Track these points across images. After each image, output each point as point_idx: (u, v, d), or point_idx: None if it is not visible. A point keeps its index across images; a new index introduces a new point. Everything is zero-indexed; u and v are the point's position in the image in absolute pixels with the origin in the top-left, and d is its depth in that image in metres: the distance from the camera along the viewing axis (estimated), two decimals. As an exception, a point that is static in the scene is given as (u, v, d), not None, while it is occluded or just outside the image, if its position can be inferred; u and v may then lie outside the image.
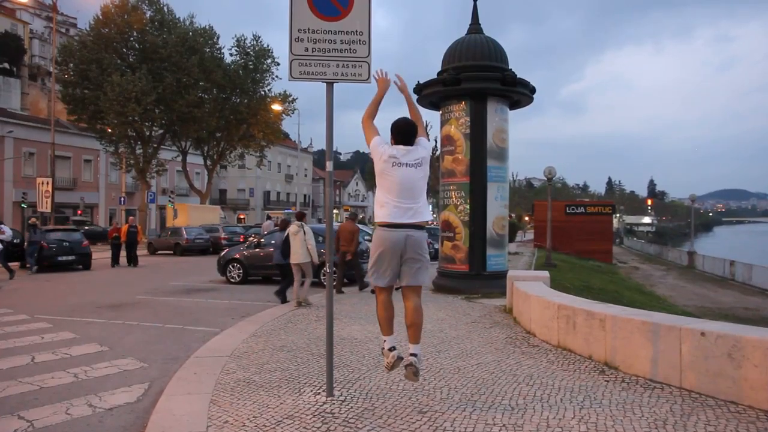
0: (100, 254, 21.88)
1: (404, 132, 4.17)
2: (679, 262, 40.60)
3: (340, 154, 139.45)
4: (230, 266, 14.10)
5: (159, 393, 4.87)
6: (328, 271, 4.78)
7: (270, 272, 13.80)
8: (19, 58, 50.45)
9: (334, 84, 4.77)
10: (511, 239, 28.66)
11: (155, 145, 35.93)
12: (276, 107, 37.38)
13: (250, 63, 36.40)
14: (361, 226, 12.43)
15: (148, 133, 35.20)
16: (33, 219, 19.14)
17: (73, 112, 33.32)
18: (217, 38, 36.02)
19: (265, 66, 36.68)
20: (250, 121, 36.30)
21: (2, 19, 50.73)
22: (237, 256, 14.21)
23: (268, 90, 37.88)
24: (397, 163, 4.02)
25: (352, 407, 4.30)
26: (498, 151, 11.12)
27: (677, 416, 3.98)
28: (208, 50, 34.87)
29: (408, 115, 4.37)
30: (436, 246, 12.62)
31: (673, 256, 44.90)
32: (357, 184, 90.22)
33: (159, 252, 27.00)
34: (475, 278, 10.82)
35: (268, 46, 36.82)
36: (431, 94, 11.52)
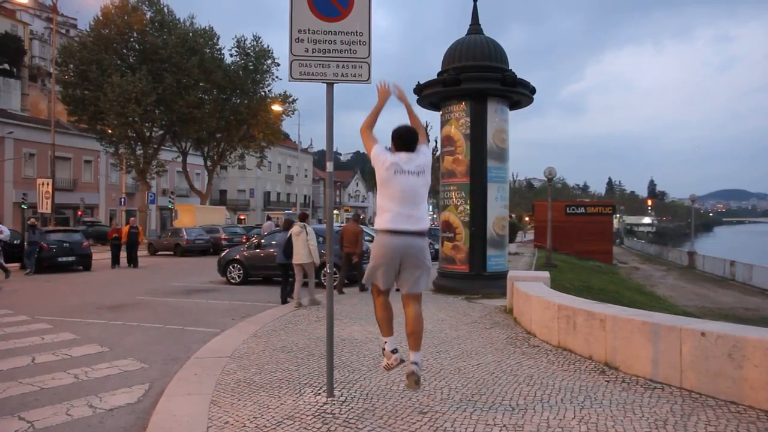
0: (101, 255, 21.87)
1: (405, 139, 4.17)
2: (680, 262, 40.60)
3: (341, 154, 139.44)
4: (230, 267, 14.11)
5: (159, 394, 4.87)
6: (328, 271, 4.78)
7: (270, 273, 13.81)
8: (20, 59, 50.47)
9: (335, 84, 4.77)
10: (512, 240, 28.66)
11: (155, 146, 35.93)
12: (276, 108, 37.39)
13: (251, 64, 36.41)
14: (361, 227, 12.45)
15: (148, 134, 35.20)
16: (32, 220, 19.13)
17: (73, 113, 33.33)
18: (218, 39, 36.03)
19: (265, 66, 36.69)
20: (250, 122, 36.31)
21: (2, 20, 50.73)
22: (237, 256, 14.22)
23: (269, 90, 37.92)
24: (399, 171, 4.02)
25: (352, 408, 4.30)
26: (498, 152, 11.13)
27: (677, 416, 3.98)
28: (208, 51, 34.87)
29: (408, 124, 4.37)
30: (437, 246, 12.63)
31: (674, 256, 44.91)
32: (357, 184, 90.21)
33: (159, 253, 26.99)
34: (476, 279, 10.82)
35: (268, 46, 36.86)
36: (431, 94, 11.52)
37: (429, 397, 4.50)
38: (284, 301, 10.13)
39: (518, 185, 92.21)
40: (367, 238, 12.60)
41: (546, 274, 8.79)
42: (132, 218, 22.01)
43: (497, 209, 11.12)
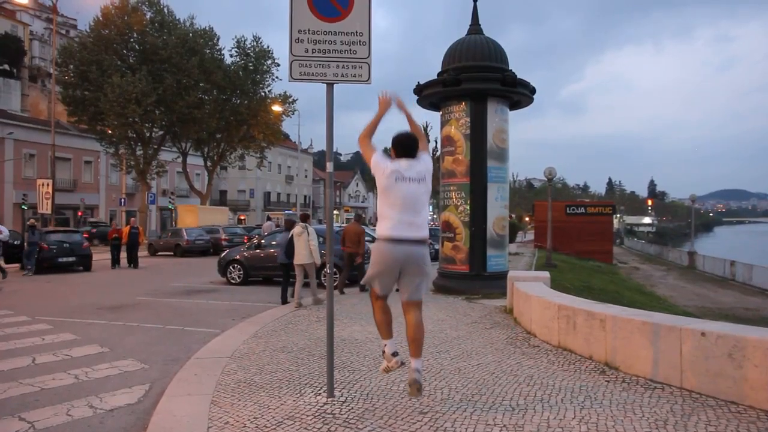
0: (102, 255, 21.87)
1: (405, 145, 4.17)
2: (680, 262, 40.60)
3: (341, 155, 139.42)
4: (231, 267, 14.11)
5: (160, 394, 4.88)
6: (328, 271, 4.79)
7: (271, 273, 13.81)
8: (20, 60, 50.48)
9: (335, 85, 4.77)
10: (512, 240, 28.66)
11: (155, 147, 35.93)
12: (276, 108, 37.38)
13: (251, 64, 36.40)
14: (362, 227, 12.47)
15: (148, 135, 35.20)
16: (32, 220, 19.13)
17: (73, 114, 33.33)
18: (217, 39, 36.02)
19: (265, 67, 36.68)
20: (250, 122, 36.31)
21: (2, 20, 50.75)
22: (237, 257, 14.22)
23: (269, 91, 37.92)
24: (400, 178, 4.01)
25: (352, 408, 4.30)
26: (498, 152, 11.13)
27: (678, 416, 3.98)
28: (208, 51, 34.86)
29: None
30: (437, 246, 12.63)
31: (674, 256, 44.90)
32: (357, 184, 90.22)
33: (159, 253, 26.99)
34: (476, 279, 10.82)
35: (268, 47, 36.85)
36: (431, 94, 11.52)
37: (429, 397, 4.50)
38: (284, 302, 10.14)
39: (518, 185, 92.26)
40: (368, 238, 12.60)
41: (546, 274, 8.79)
42: (132, 218, 22.00)
43: (497, 209, 11.12)
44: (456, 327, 7.51)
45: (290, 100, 38.44)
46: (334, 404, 4.39)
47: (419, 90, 11.70)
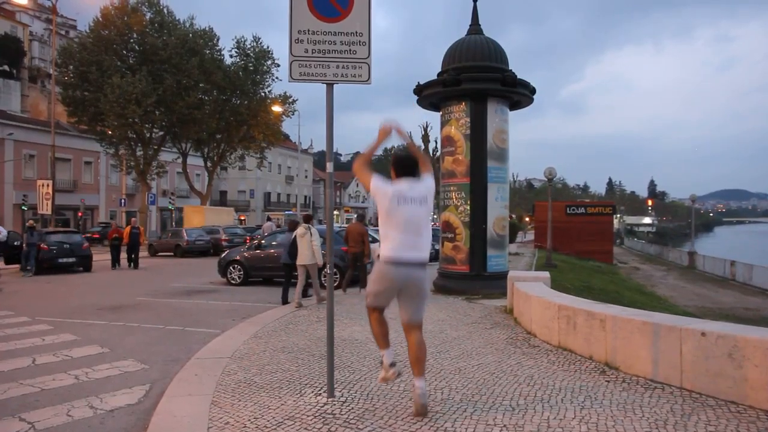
0: (102, 256, 21.87)
1: (405, 165, 4.17)
2: (680, 262, 40.60)
3: (341, 155, 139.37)
4: (231, 267, 14.11)
5: (160, 394, 4.88)
6: (328, 272, 4.79)
7: (271, 273, 13.83)
8: (19, 60, 50.48)
9: (334, 85, 4.77)
10: (512, 240, 28.66)
11: (155, 147, 35.92)
12: (276, 108, 37.37)
13: (250, 64, 36.39)
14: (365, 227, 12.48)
15: (148, 135, 35.19)
16: (31, 221, 19.13)
17: (73, 114, 33.32)
18: (217, 40, 36.01)
19: (265, 67, 36.67)
20: (250, 123, 36.30)
21: (2, 21, 50.75)
22: (238, 257, 14.22)
23: (269, 91, 37.89)
24: (402, 200, 4.01)
25: (353, 408, 4.30)
26: (498, 152, 11.13)
27: (678, 416, 3.99)
28: (208, 52, 34.85)
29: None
30: (437, 247, 12.63)
31: (674, 256, 44.90)
32: (357, 185, 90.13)
33: (159, 253, 26.99)
34: (476, 279, 10.82)
35: (268, 47, 36.83)
36: (431, 94, 11.53)
37: (429, 397, 4.50)
38: (285, 302, 10.15)
39: (518, 185, 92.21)
40: (369, 238, 12.59)
41: (546, 274, 8.79)
42: (133, 218, 21.99)
43: (497, 209, 11.12)
44: (456, 327, 7.51)
45: (290, 100, 38.44)
46: (335, 404, 4.39)
47: (419, 90, 11.70)
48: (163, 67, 32.51)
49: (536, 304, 6.86)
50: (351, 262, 11.71)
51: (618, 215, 72.08)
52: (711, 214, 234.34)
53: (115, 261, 19.54)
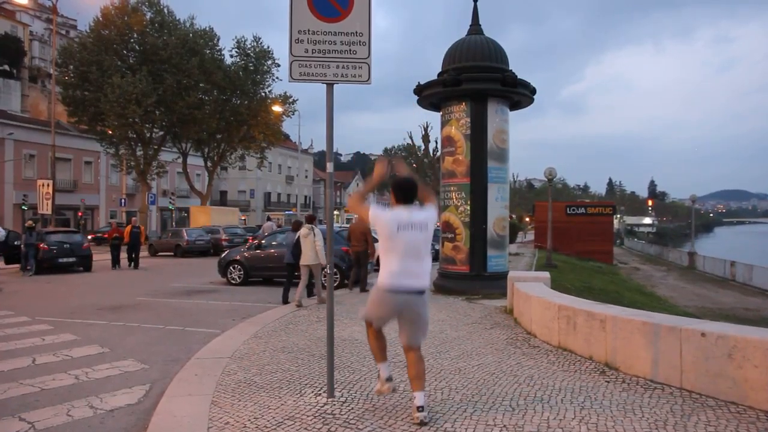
0: (103, 256, 21.87)
1: (405, 189, 4.15)
2: (680, 262, 40.58)
3: (341, 155, 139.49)
4: (231, 267, 14.11)
5: (160, 394, 4.88)
6: (328, 272, 4.79)
7: (271, 273, 13.83)
8: (19, 60, 50.51)
9: (335, 85, 4.77)
10: (512, 240, 28.66)
11: (156, 147, 35.92)
12: (276, 108, 37.37)
13: (251, 64, 36.39)
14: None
15: (148, 135, 35.20)
16: (30, 222, 19.10)
17: (73, 114, 33.33)
18: (218, 40, 36.00)
19: (265, 67, 36.67)
20: (250, 123, 36.30)
21: (2, 21, 50.77)
22: (238, 257, 14.23)
23: (269, 91, 37.89)
24: (402, 226, 3.99)
25: (352, 408, 4.30)
26: (498, 152, 11.13)
27: (677, 417, 3.99)
28: (208, 52, 34.84)
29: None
30: (437, 247, 12.63)
31: (674, 256, 44.89)
32: (357, 185, 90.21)
33: (159, 253, 27.00)
34: (476, 279, 10.82)
35: (268, 47, 36.82)
36: (432, 95, 11.53)
37: (429, 397, 4.50)
38: (285, 301, 10.17)
39: (518, 186, 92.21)
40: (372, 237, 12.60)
41: (546, 274, 8.79)
42: (133, 218, 21.96)
43: (497, 210, 11.12)
44: (456, 327, 7.51)
45: (290, 100, 38.44)
46: (335, 404, 4.39)
47: (419, 90, 11.70)
48: (163, 67, 32.51)
49: (536, 305, 6.86)
50: (354, 261, 11.71)
51: (618, 215, 72.10)
52: (711, 215, 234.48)
53: (116, 261, 19.53)
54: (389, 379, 4.19)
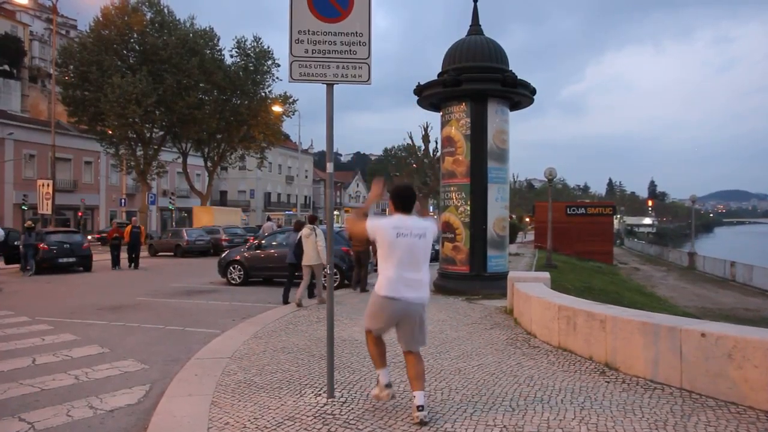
0: (103, 256, 21.87)
1: (404, 197, 4.16)
2: (680, 263, 40.58)
3: (341, 155, 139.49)
4: (231, 268, 14.11)
5: (160, 395, 4.88)
6: (328, 272, 4.79)
7: (271, 274, 13.83)
8: (20, 60, 50.53)
9: (335, 85, 4.77)
10: (512, 240, 28.66)
11: (156, 147, 35.94)
12: (276, 108, 37.39)
13: (251, 64, 36.41)
14: None
15: (148, 135, 35.21)
16: (29, 222, 19.08)
17: (73, 114, 33.34)
18: (218, 40, 36.02)
19: (265, 67, 36.68)
20: (250, 123, 36.31)
21: (2, 21, 50.79)
22: (238, 257, 14.22)
23: (269, 91, 37.91)
24: (401, 234, 3.99)
25: (352, 408, 4.30)
26: (498, 152, 11.13)
27: (678, 417, 3.99)
28: (208, 52, 34.86)
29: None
30: (437, 247, 12.63)
31: (674, 257, 44.88)
32: (358, 185, 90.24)
33: (159, 254, 26.99)
34: (476, 279, 10.82)
35: (268, 47, 36.84)
36: (432, 95, 11.53)
37: (429, 397, 4.50)
38: (286, 301, 10.18)
39: (519, 186, 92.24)
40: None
41: (546, 274, 8.79)
42: (134, 218, 21.94)
43: (498, 210, 11.12)
44: (456, 328, 7.51)
45: (290, 100, 38.46)
46: (335, 405, 4.39)
47: (419, 90, 11.70)
48: (163, 67, 32.52)
49: (536, 305, 6.86)
50: (355, 261, 11.72)
51: (618, 216, 72.14)
52: (711, 215, 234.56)
53: (116, 261, 19.50)
54: (388, 386, 4.19)
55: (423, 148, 48.20)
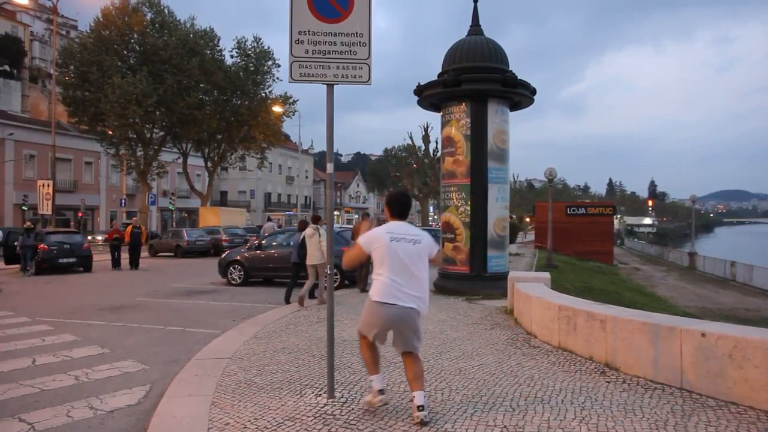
0: (103, 256, 21.87)
1: (401, 203, 4.17)
2: (680, 263, 40.56)
3: (341, 155, 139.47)
4: (231, 268, 14.11)
5: (160, 395, 4.88)
6: (329, 272, 4.79)
7: (271, 274, 13.83)
8: (20, 61, 50.56)
9: (335, 86, 4.77)
10: (512, 240, 28.66)
11: (156, 147, 35.94)
12: (277, 109, 37.39)
13: (251, 65, 36.42)
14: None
15: (148, 135, 35.21)
16: (28, 223, 19.09)
17: (73, 114, 33.35)
18: (218, 40, 36.04)
19: (265, 68, 36.70)
20: (250, 123, 36.32)
21: (3, 21, 50.79)
22: (238, 257, 14.22)
23: (269, 92, 37.93)
24: (395, 238, 3.98)
25: (353, 409, 4.30)
26: (498, 153, 11.13)
27: (678, 417, 3.98)
28: (208, 52, 34.87)
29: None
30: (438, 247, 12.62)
31: (674, 257, 44.86)
32: (358, 185, 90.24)
33: (160, 254, 26.99)
34: (476, 279, 10.82)
35: (268, 47, 36.87)
36: (432, 95, 11.53)
37: (429, 397, 4.50)
38: (288, 301, 10.21)
39: (519, 186, 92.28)
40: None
41: (546, 274, 8.79)
42: (134, 218, 21.92)
43: (498, 210, 11.12)
44: (456, 328, 7.51)
45: (291, 100, 38.47)
46: (335, 405, 4.39)
47: (419, 91, 11.70)
48: (163, 67, 32.53)
49: (536, 305, 6.86)
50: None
51: (618, 216, 72.15)
52: (711, 215, 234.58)
53: (116, 261, 19.50)
54: (381, 392, 4.18)
55: (423, 148, 48.22)
